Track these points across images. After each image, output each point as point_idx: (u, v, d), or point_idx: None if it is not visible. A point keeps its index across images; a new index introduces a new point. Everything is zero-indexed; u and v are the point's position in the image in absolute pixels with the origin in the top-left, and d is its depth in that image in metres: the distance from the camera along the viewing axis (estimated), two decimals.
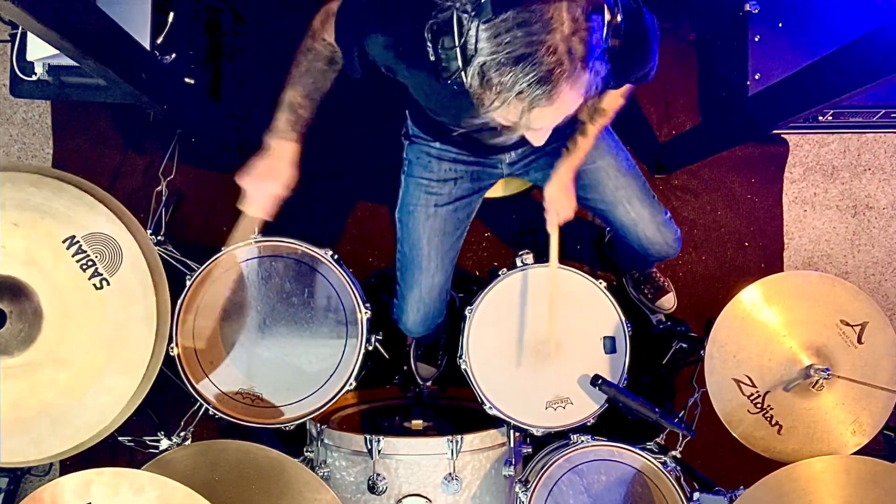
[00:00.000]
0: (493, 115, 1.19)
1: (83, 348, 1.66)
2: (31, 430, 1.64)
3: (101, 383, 1.66)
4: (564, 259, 1.93)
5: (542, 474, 1.81)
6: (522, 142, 1.65)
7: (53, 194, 1.66)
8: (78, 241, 1.66)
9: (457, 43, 1.14)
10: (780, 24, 2.30)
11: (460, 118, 1.51)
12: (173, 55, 2.08)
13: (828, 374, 1.83)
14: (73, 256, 1.66)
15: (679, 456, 1.99)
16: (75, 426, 1.66)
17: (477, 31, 1.10)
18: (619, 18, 1.16)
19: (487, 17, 1.09)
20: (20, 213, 1.65)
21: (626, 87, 1.64)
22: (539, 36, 1.08)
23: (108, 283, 1.67)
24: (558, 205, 1.82)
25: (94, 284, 1.66)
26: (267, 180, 1.56)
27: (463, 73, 1.16)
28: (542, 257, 1.96)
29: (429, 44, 1.19)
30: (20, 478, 2.38)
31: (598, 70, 1.14)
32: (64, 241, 1.66)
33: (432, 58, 1.19)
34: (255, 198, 1.58)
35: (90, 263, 1.66)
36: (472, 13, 1.11)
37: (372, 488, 1.79)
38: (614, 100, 1.69)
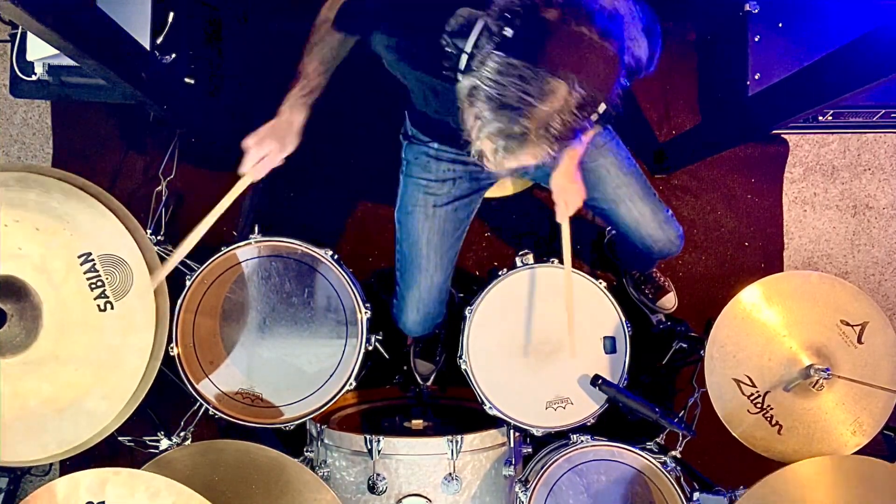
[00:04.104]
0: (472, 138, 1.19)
1: (73, 365, 1.65)
2: (4, 434, 1.64)
3: (83, 404, 1.65)
4: None
5: (542, 474, 1.81)
6: None
7: (80, 207, 1.65)
8: (93, 259, 1.65)
9: (467, 49, 1.14)
10: (780, 24, 2.30)
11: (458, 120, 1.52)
12: (173, 55, 2.08)
13: (828, 374, 1.83)
14: (84, 273, 1.65)
15: (679, 456, 1.99)
16: (47, 439, 1.65)
17: (489, 54, 1.11)
18: (614, 113, 1.16)
19: (502, 51, 1.09)
20: (44, 219, 1.64)
21: None
22: (531, 98, 1.09)
23: (112, 307, 1.66)
24: (566, 194, 1.80)
25: (98, 305, 1.65)
26: (268, 143, 1.56)
27: (460, 74, 1.16)
28: (543, 257, 1.96)
29: (446, 37, 1.18)
30: (20, 478, 2.38)
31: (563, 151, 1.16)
32: (79, 257, 1.65)
33: (444, 45, 1.18)
34: (253, 159, 1.57)
35: (99, 284, 1.65)
36: (496, 37, 1.10)
37: (372, 488, 1.79)
38: None
